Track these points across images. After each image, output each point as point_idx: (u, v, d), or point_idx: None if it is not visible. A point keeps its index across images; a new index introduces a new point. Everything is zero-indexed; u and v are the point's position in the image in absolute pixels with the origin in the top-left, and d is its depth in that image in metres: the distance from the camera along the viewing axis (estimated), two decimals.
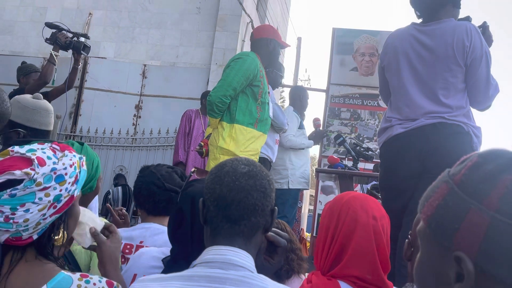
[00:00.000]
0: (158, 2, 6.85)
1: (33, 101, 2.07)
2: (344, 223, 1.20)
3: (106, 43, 6.85)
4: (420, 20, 2.14)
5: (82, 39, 3.37)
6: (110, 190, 5.64)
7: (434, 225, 0.58)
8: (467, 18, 2.08)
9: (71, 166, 0.96)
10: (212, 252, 0.89)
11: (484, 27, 2.09)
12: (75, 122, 6.36)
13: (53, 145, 0.98)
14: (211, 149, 2.70)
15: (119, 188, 5.58)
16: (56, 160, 0.94)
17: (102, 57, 6.72)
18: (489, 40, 2.09)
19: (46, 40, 3.36)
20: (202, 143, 2.87)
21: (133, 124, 6.42)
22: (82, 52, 3.30)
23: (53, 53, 3.25)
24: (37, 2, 7.12)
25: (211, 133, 2.79)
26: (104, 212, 5.65)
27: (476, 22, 2.11)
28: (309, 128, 4.56)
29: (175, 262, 1.18)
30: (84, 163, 1.02)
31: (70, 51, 3.39)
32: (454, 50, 1.96)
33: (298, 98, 4.15)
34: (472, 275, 0.52)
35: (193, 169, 1.34)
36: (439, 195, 0.59)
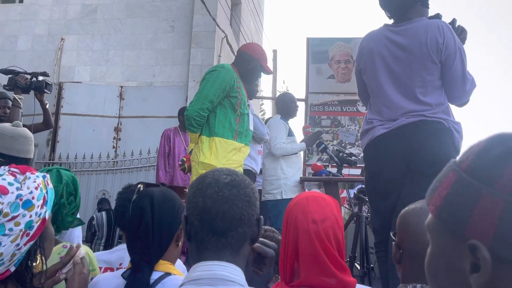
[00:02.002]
0: (131, 23, 6.83)
1: (11, 128, 2.01)
2: (289, 230, 1.20)
3: (81, 67, 6.77)
4: (392, 21, 2.16)
5: (40, 77, 3.28)
6: (94, 216, 5.51)
7: (445, 215, 0.55)
8: (437, 16, 2.11)
9: (36, 188, 0.90)
10: (200, 269, 0.85)
11: (454, 23, 2.12)
12: (53, 149, 6.24)
13: (12, 169, 0.92)
14: (193, 165, 2.64)
15: (103, 213, 5.46)
16: (19, 185, 0.89)
17: (77, 82, 6.63)
18: (463, 39, 2.12)
19: (5, 86, 3.22)
20: (185, 159, 2.81)
21: (113, 147, 6.33)
22: (45, 90, 3.21)
23: (16, 97, 3.15)
24: (7, 30, 7.02)
25: (193, 149, 2.74)
26: (89, 239, 5.51)
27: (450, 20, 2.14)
28: (299, 137, 4.48)
29: (139, 270, 1.16)
30: (49, 181, 0.96)
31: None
32: (428, 48, 1.97)
33: (283, 104, 4.10)
34: (489, 263, 0.50)
35: (139, 185, 1.34)
36: (446, 184, 0.56)
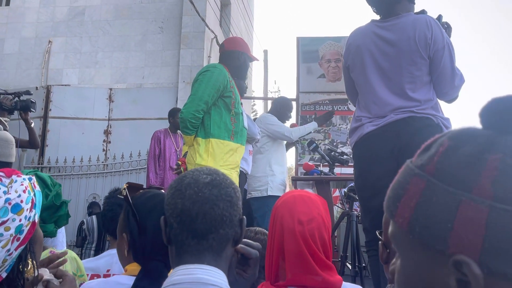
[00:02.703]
0: (119, 24, 6.77)
1: None
2: (276, 230, 1.18)
3: (69, 70, 6.70)
4: (379, 17, 2.14)
5: (24, 97, 3.21)
6: (84, 220, 5.43)
7: (419, 228, 0.48)
8: (423, 12, 2.10)
9: (24, 191, 0.88)
10: (180, 273, 0.81)
11: (440, 19, 2.11)
12: (42, 153, 6.16)
13: None
14: (189, 167, 2.59)
15: (93, 217, 5.38)
16: (6, 189, 0.85)
17: (65, 85, 6.56)
18: (449, 32, 2.11)
19: None
20: (180, 162, 2.77)
21: (103, 150, 6.26)
22: (31, 110, 3.16)
23: (2, 120, 3.07)
24: None
25: (187, 151, 2.69)
26: (79, 243, 5.44)
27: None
28: None
29: (163, 276, 1.09)
30: (35, 183, 0.94)
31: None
32: (416, 43, 1.96)
33: (280, 108, 4.08)
34: (480, 280, 0.43)
35: (125, 185, 1.26)
36: (413, 192, 0.49)
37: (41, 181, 1.63)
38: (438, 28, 1.97)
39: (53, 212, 1.63)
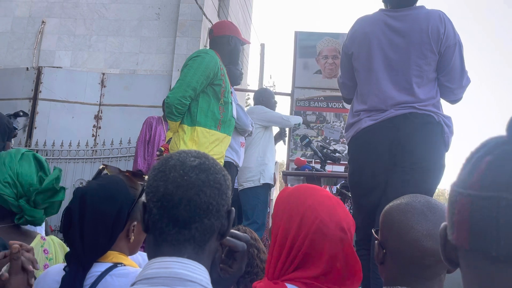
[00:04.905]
0: (115, 8, 6.63)
1: None
2: (309, 231, 1.07)
3: (61, 52, 6.55)
4: (388, 7, 2.06)
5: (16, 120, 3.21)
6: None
7: None
8: None
9: None
10: (155, 266, 0.73)
11: None
12: (30, 136, 6.02)
13: None
14: None
15: None
16: None
17: (57, 67, 6.42)
18: None
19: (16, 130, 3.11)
20: (163, 148, 2.70)
21: (93, 135, 6.14)
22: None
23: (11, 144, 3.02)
24: None
25: (171, 138, 2.62)
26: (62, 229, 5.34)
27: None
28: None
29: (69, 267, 1.06)
30: None
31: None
32: (429, 36, 1.89)
33: (263, 99, 4.03)
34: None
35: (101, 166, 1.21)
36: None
37: (38, 163, 1.53)
38: (450, 24, 1.92)
39: (49, 197, 1.50)
